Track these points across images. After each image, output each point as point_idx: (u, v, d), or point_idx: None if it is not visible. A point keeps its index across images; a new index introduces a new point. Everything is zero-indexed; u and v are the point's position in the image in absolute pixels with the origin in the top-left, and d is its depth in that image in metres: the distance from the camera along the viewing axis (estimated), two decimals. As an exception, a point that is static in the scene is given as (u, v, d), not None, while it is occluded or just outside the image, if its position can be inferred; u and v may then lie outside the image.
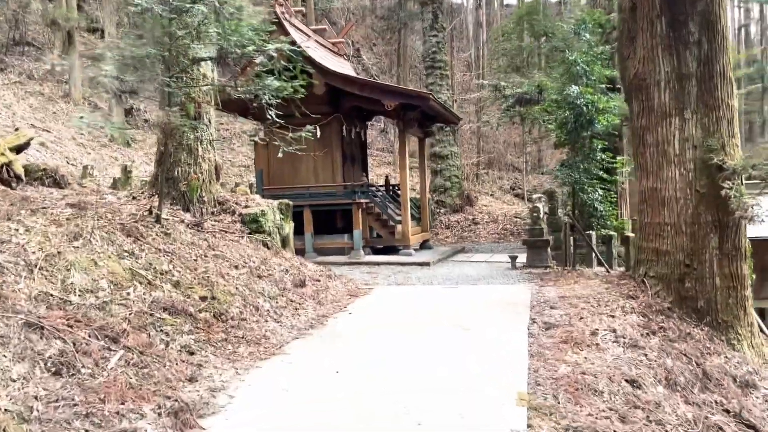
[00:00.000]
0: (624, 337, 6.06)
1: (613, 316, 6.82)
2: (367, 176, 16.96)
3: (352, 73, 16.76)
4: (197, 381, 4.76)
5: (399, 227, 14.78)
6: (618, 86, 13.33)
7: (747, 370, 7.00)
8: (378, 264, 13.59)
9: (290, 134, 8.58)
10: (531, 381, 4.70)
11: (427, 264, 13.41)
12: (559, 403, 4.28)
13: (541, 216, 12.82)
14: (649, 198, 8.12)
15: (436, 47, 22.18)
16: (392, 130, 28.99)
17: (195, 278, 6.57)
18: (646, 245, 8.17)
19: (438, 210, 21.63)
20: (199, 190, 9.59)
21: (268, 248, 9.61)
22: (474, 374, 4.94)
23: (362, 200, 14.38)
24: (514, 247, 17.28)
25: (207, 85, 9.08)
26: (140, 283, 5.86)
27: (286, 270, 8.79)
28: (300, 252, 14.30)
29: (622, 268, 12.15)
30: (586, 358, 5.37)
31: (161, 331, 5.32)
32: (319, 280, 9.23)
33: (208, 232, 8.39)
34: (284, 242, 10.30)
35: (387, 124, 31.41)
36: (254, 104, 8.72)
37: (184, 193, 9.54)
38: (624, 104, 13.11)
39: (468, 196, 22.18)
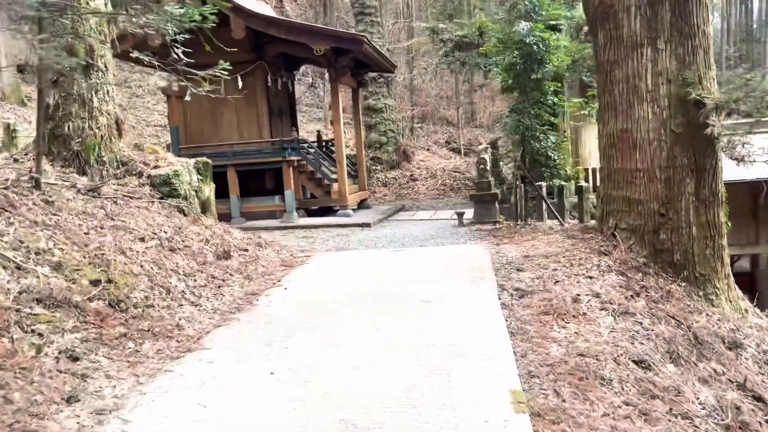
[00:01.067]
0: (611, 303, 5.18)
1: (590, 277, 5.94)
2: (297, 131, 15.54)
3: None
4: (79, 401, 3.49)
5: (335, 186, 13.55)
6: (561, 26, 12.42)
7: (729, 327, 6.33)
8: (314, 227, 12.38)
9: (201, 73, 7.09)
10: (522, 371, 3.69)
11: (368, 225, 12.30)
12: (564, 401, 3.29)
13: (488, 168, 11.89)
14: (619, 141, 7.23)
15: (365, -9, 20.63)
16: (321, 85, 27.38)
17: (85, 257, 5.18)
18: (616, 194, 7.31)
19: (374, 167, 20.47)
20: (96, 149, 8.03)
21: (185, 215, 8.22)
22: (446, 367, 3.90)
23: (293, 158, 13.02)
24: (456, 203, 16.42)
25: (93, 13, 7.45)
26: (4, 268, 4.45)
27: (207, 240, 7.46)
28: (225, 217, 12.90)
29: (576, 221, 11.44)
30: (577, 333, 4.42)
31: (32, 332, 3.98)
32: (246, 250, 7.95)
33: (107, 198, 6.92)
34: (204, 207, 8.91)
35: (315, 78, 29.73)
36: (156, 41, 7.22)
37: (78, 153, 7.97)
38: (571, 44, 12.25)
39: (404, 151, 21.09)
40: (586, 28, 13.44)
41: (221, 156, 13.14)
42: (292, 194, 13.01)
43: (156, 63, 7.45)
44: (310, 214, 13.76)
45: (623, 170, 7.18)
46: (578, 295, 5.35)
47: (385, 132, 20.95)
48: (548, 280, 5.85)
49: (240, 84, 13.33)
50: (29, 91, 18.99)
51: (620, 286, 5.81)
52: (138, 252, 5.86)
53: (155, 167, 8.39)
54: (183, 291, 5.61)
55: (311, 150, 13.60)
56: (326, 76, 22.94)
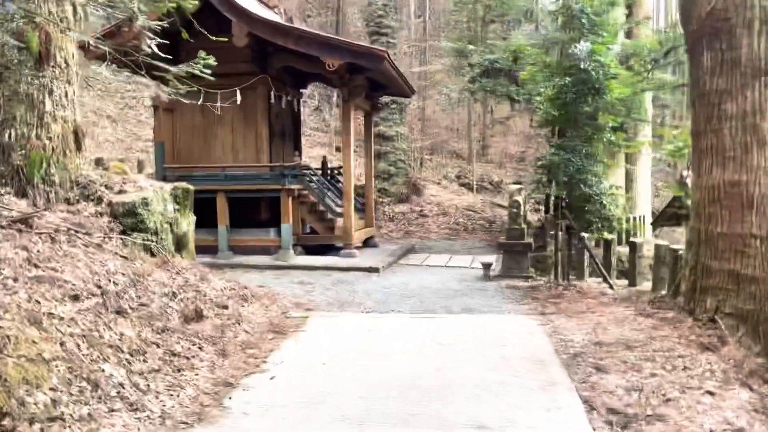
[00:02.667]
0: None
1: (711, 393, 4.13)
2: (300, 156, 13.82)
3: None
4: None
5: (339, 221, 11.80)
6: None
7: None
8: (313, 269, 10.57)
9: (173, 69, 5.44)
10: None
11: (376, 270, 10.50)
12: None
13: (521, 213, 10.15)
14: (725, 197, 5.49)
15: (382, 10, 19.16)
16: (327, 108, 25.82)
17: (-34, 333, 3.38)
18: (718, 266, 5.54)
19: (381, 199, 18.73)
20: (44, 165, 6.27)
21: (152, 255, 6.43)
22: None
23: (294, 186, 11.27)
24: (472, 247, 14.65)
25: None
26: None
27: (174, 293, 5.65)
28: (211, 250, 11.13)
29: (624, 281, 9.65)
30: None
31: None
32: (226, 307, 6.13)
33: (40, 234, 5.12)
34: (180, 244, 7.12)
35: (321, 101, 28.21)
36: (125, 28, 5.55)
37: (19, 169, 6.21)
38: (631, 75, 10.58)
39: (415, 184, 19.38)
40: (633, 58, 11.84)
41: (211, 180, 11.41)
42: (289, 228, 11.23)
43: (123, 59, 5.80)
44: (309, 251, 11.96)
45: (730, 235, 5.43)
46: (712, 431, 3.54)
47: (395, 162, 19.28)
48: (653, 395, 4.05)
49: (238, 99, 11.68)
50: None
51: (755, 410, 4.00)
52: (63, 319, 4.04)
53: (120, 192, 6.61)
54: (120, 384, 3.79)
55: (314, 178, 11.87)
56: (333, 98, 21.37)
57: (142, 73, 6.52)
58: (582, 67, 8.23)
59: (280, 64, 11.76)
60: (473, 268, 11.28)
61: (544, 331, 5.93)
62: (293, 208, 11.75)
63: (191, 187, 7.39)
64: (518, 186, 10.38)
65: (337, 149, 25.97)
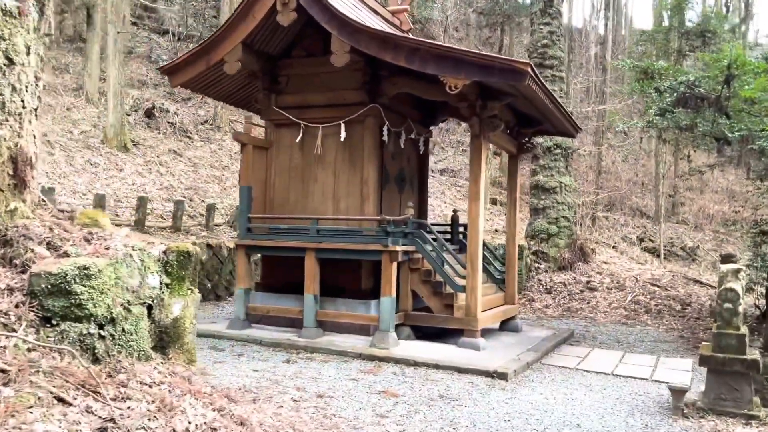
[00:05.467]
0: None
1: None
2: (421, 208, 11.03)
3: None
4: None
5: (461, 297, 8.70)
6: None
7: None
8: (415, 365, 7.59)
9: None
10: None
11: (503, 376, 7.21)
12: None
13: (740, 311, 6.31)
14: None
15: (548, 38, 16.03)
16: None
17: None
18: None
19: (537, 264, 15.21)
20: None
21: (97, 360, 3.96)
22: None
23: (399, 247, 8.44)
24: (655, 339, 10.62)
25: None
26: None
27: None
28: (296, 323, 8.67)
29: None
30: None
31: None
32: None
33: None
34: (166, 338, 4.58)
35: (463, 134, 25.41)
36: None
37: None
38: None
39: (581, 247, 15.55)
40: None
41: (300, 234, 9.00)
42: (391, 303, 8.38)
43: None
44: (420, 335, 8.99)
45: None
46: None
47: (556, 219, 15.69)
48: None
49: (342, 134, 9.29)
50: (140, 135, 16.77)
51: None
52: None
53: (64, 253, 4.27)
54: None
55: (432, 238, 8.93)
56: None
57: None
58: None
59: (395, 90, 9.19)
60: (656, 381, 7.51)
61: None
62: (403, 277, 8.93)
63: (195, 249, 4.85)
64: (734, 266, 6.54)
65: (493, 202, 22.81)
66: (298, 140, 9.55)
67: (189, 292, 4.80)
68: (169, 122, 18.59)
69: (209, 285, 12.72)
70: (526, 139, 10.89)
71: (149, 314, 4.47)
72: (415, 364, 7.62)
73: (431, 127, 11.47)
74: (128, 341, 4.19)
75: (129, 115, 18.30)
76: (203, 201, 14.64)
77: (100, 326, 4.03)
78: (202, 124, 20.11)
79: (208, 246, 12.70)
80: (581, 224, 17.39)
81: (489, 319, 9.17)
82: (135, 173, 14.12)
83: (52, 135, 13.97)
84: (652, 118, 9.95)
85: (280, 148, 9.89)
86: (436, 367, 7.52)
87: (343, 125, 9.15)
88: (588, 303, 13.60)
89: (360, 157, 9.29)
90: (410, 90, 9.05)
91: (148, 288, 4.46)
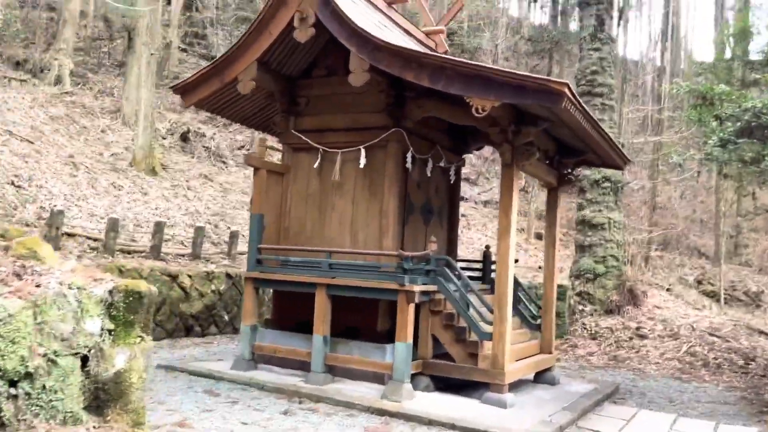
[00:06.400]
0: None
1: None
2: (451, 242, 10.12)
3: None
4: None
5: (487, 345, 7.71)
6: None
7: None
8: (428, 423, 6.64)
9: None
10: None
11: (529, 444, 6.19)
12: None
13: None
14: None
15: (597, 65, 15.03)
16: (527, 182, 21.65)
17: None
18: None
19: (581, 307, 14.01)
20: None
21: (3, 426, 3.24)
22: None
23: (417, 287, 7.55)
24: (714, 399, 9.33)
25: None
26: None
27: None
28: (303, 366, 7.87)
29: None
30: None
31: None
32: None
33: None
34: (105, 396, 3.82)
35: (496, 163, 24.27)
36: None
37: None
38: None
39: (631, 290, 14.24)
40: None
41: (311, 268, 8.24)
42: (407, 349, 7.47)
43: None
44: (440, 386, 8.01)
45: None
46: None
47: (604, 258, 14.48)
48: None
49: (362, 161, 8.54)
50: (173, 158, 16.48)
51: None
52: None
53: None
54: None
55: (455, 277, 7.99)
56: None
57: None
58: None
59: (421, 113, 8.41)
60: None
61: None
62: (424, 320, 8.02)
63: (149, 289, 4.11)
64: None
65: (538, 237, 21.63)
66: (316, 165, 8.86)
67: (139, 340, 4.05)
68: (204, 146, 18.34)
69: (227, 317, 12.08)
70: (568, 170, 9.89)
71: (84, 367, 3.73)
72: (430, 422, 6.65)
73: (464, 155, 10.60)
74: (50, 401, 3.45)
75: (165, 139, 18.14)
76: (229, 228, 14.11)
77: (12, 383, 3.30)
78: (239, 149, 19.83)
79: (228, 275, 12.09)
80: (632, 264, 16.06)
81: (520, 371, 8.13)
82: (160, 197, 13.73)
83: (81, 156, 13.76)
84: (711, 150, 8.83)
85: (297, 173, 9.21)
86: (453, 427, 6.54)
87: (363, 150, 8.42)
88: (637, 352, 12.30)
89: (380, 185, 8.51)
90: (437, 113, 8.26)
91: (85, 335, 3.73)
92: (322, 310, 8.00)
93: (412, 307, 7.52)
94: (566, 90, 6.41)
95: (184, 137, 18.17)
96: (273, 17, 8.20)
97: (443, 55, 8.00)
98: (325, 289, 8.01)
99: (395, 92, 8.46)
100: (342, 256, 8.31)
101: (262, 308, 12.11)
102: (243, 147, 19.70)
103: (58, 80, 18.48)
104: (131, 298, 4.02)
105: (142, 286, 4.10)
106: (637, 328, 13.26)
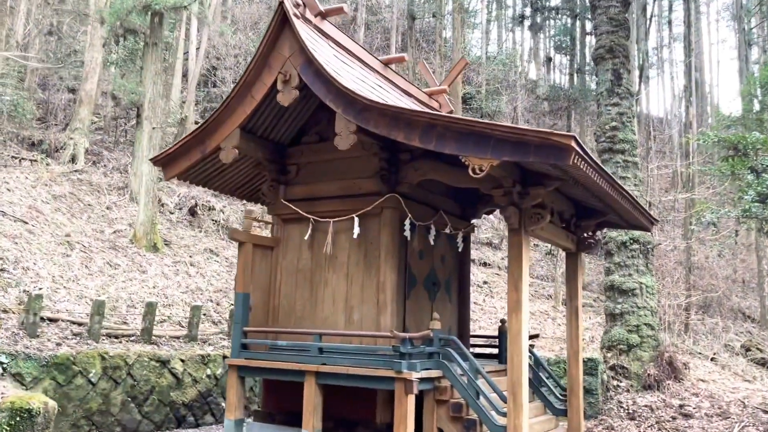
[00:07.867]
0: None
1: None
2: (462, 318, 9.13)
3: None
4: None
5: (502, 441, 6.60)
6: None
7: None
8: None
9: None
10: None
11: None
12: None
13: None
14: None
15: (617, 120, 14.22)
16: (538, 246, 20.50)
17: None
18: None
19: (616, 383, 12.66)
20: None
21: None
22: None
23: (417, 374, 6.56)
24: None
25: None
26: None
27: None
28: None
29: None
30: None
31: None
32: None
33: None
34: None
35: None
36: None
37: None
38: None
39: (671, 361, 12.86)
40: None
41: (299, 354, 7.34)
42: (407, 449, 6.41)
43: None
44: (451, 489, 6.86)
45: None
46: None
47: (638, 327, 13.20)
48: None
49: (356, 231, 7.74)
50: (179, 233, 15.93)
51: None
52: None
53: None
54: None
55: (462, 360, 6.97)
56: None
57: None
58: None
59: (418, 177, 7.65)
60: None
61: None
62: (428, 412, 6.97)
63: (41, 406, 3.27)
64: None
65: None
66: (307, 237, 8.09)
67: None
68: (213, 220, 17.82)
69: (224, 404, 11.07)
70: (588, 233, 8.94)
71: None
72: None
73: (473, 220, 9.75)
74: None
75: (173, 213, 17.70)
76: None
77: None
78: (249, 221, 19.25)
79: (225, 358, 11.17)
80: (670, 331, 14.69)
81: (541, 470, 6.96)
82: (159, 275, 13.06)
83: (79, 235, 13.27)
84: (748, 206, 7.83)
85: (287, 247, 8.45)
86: None
87: (356, 219, 7.64)
88: (683, 435, 10.87)
89: (376, 256, 7.67)
90: (435, 176, 7.48)
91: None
92: (311, 401, 7.03)
93: (411, 399, 6.51)
94: (573, 144, 5.59)
95: (192, 211, 17.71)
96: (255, 80, 7.65)
97: (434, 112, 7.30)
98: (314, 378, 7.06)
99: (388, 155, 7.75)
100: (333, 339, 7.39)
101: (253, 396, 11.13)
102: (254, 219, 19.14)
103: (73, 159, 18.42)
104: (18, 419, 3.19)
105: (35, 402, 3.28)
106: (681, 406, 11.83)
